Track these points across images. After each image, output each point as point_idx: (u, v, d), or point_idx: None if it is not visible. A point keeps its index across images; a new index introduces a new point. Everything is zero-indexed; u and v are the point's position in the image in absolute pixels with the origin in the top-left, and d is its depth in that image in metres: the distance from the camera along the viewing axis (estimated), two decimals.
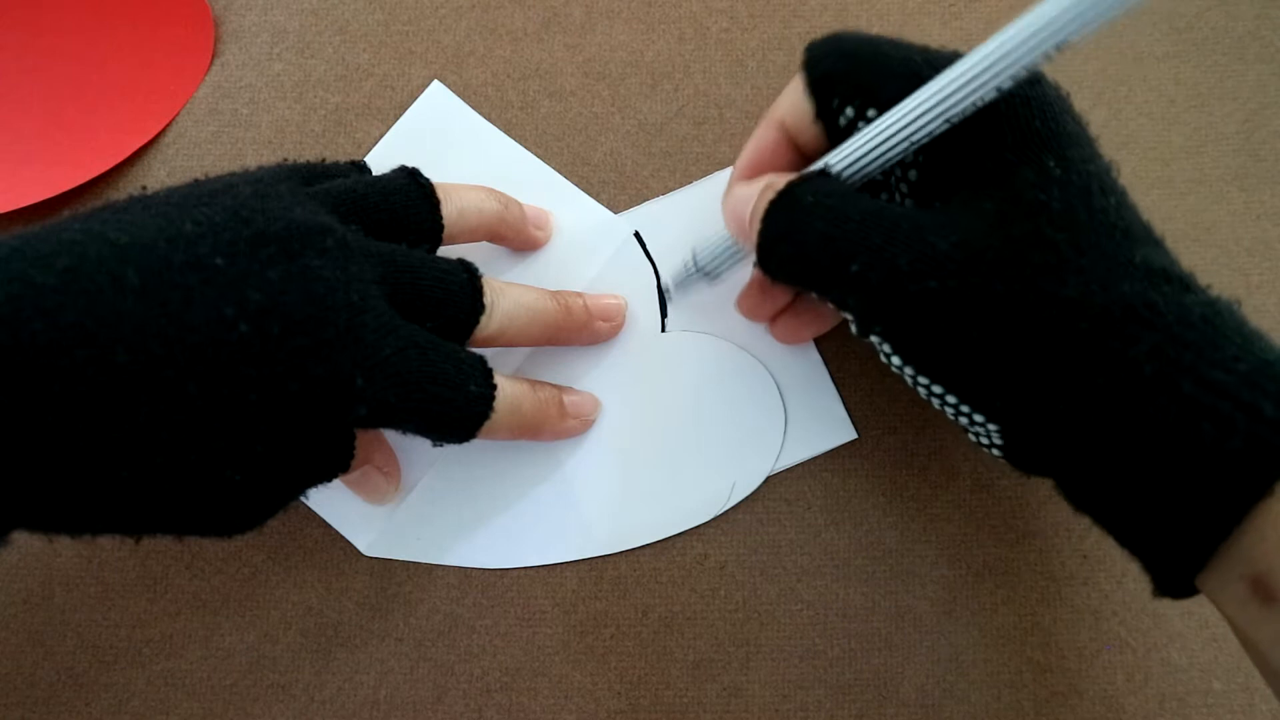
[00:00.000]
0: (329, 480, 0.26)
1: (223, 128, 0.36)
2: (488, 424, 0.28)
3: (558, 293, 0.32)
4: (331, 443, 0.25)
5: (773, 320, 0.32)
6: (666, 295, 0.34)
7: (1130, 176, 0.34)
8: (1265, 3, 0.37)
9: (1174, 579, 0.22)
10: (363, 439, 0.28)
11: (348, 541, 0.32)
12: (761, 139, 0.29)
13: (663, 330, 0.34)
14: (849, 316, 0.26)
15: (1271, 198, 0.35)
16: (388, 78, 0.37)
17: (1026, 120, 0.24)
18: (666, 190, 0.35)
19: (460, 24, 0.37)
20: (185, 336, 0.22)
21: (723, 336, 0.33)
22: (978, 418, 0.24)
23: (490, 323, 0.29)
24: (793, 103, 0.28)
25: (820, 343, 0.33)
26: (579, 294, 0.33)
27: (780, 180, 0.26)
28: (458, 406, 0.27)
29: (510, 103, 0.36)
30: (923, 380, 0.25)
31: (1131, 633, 0.31)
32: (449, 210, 0.29)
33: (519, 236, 0.33)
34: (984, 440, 0.25)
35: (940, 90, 0.24)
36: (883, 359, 0.26)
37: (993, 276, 0.23)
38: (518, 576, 0.32)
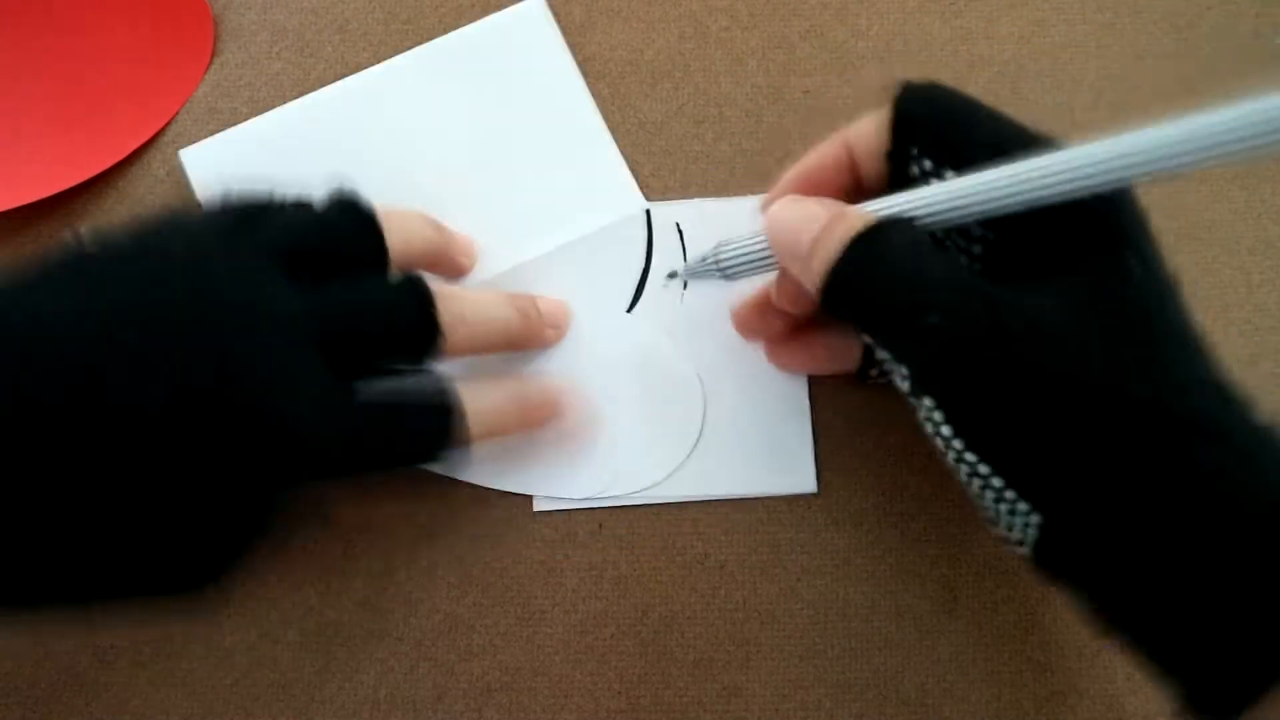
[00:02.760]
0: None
1: (222, 127, 0.36)
2: (465, 435, 0.28)
3: (515, 296, 0.31)
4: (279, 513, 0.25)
5: (777, 343, 0.31)
6: (675, 275, 0.33)
7: None
8: (1265, 3, 0.37)
9: (1220, 709, 0.21)
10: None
11: (347, 542, 0.32)
12: (824, 155, 0.28)
13: (628, 310, 0.34)
14: (902, 371, 0.25)
15: (1273, 196, 0.34)
16: None
17: (1106, 214, 0.24)
18: (666, 190, 0.35)
19: (460, 23, 0.37)
20: (106, 423, 0.22)
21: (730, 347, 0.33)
22: (1021, 506, 0.23)
23: (455, 340, 0.28)
24: (869, 133, 0.27)
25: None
26: (532, 299, 0.32)
27: (855, 211, 0.26)
28: (411, 460, 0.28)
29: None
30: (970, 457, 0.24)
31: None
32: (395, 241, 0.29)
33: (451, 267, 0.33)
34: (1016, 535, 0.24)
35: (1039, 172, 0.23)
36: (928, 429, 0.25)
37: (1063, 359, 0.22)
38: (518, 576, 0.32)
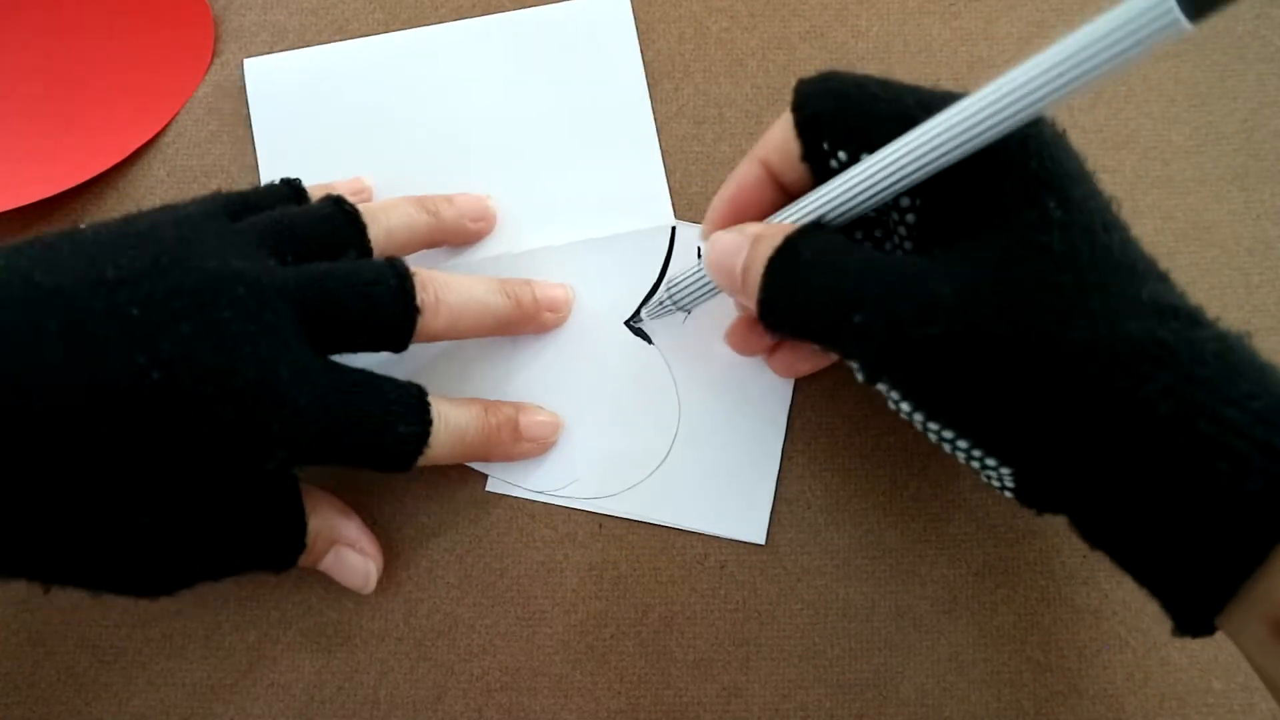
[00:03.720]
0: (279, 558, 0.28)
1: (222, 127, 0.36)
2: (428, 452, 0.28)
3: (506, 282, 0.32)
4: (256, 497, 0.26)
5: (770, 353, 0.31)
6: (638, 320, 0.33)
7: (1130, 176, 0.35)
8: (1265, 2, 0.37)
9: (1194, 618, 0.22)
10: (326, 516, 0.29)
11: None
12: (744, 176, 0.28)
13: (629, 320, 0.34)
14: (855, 365, 0.25)
15: (1272, 197, 0.35)
16: None
17: (1024, 161, 0.24)
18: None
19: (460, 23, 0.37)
20: (100, 383, 0.23)
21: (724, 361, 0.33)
22: (990, 461, 0.24)
23: (437, 320, 0.28)
24: (779, 142, 0.27)
25: None
26: (527, 282, 0.32)
27: (769, 231, 0.26)
28: (385, 448, 0.28)
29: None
30: (933, 426, 0.25)
31: (1131, 632, 0.31)
32: (376, 233, 0.29)
33: (459, 236, 0.33)
34: (996, 483, 0.25)
35: (929, 134, 0.23)
36: (891, 406, 0.25)
37: (997, 320, 0.22)
38: (517, 576, 0.32)
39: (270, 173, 0.35)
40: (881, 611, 0.31)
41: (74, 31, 0.37)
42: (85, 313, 0.23)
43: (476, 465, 0.32)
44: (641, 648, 0.31)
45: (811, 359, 0.31)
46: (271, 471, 0.26)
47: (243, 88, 0.37)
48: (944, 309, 0.23)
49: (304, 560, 0.29)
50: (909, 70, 0.36)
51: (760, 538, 0.32)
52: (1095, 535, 0.24)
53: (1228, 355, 0.21)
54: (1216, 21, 0.37)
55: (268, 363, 0.24)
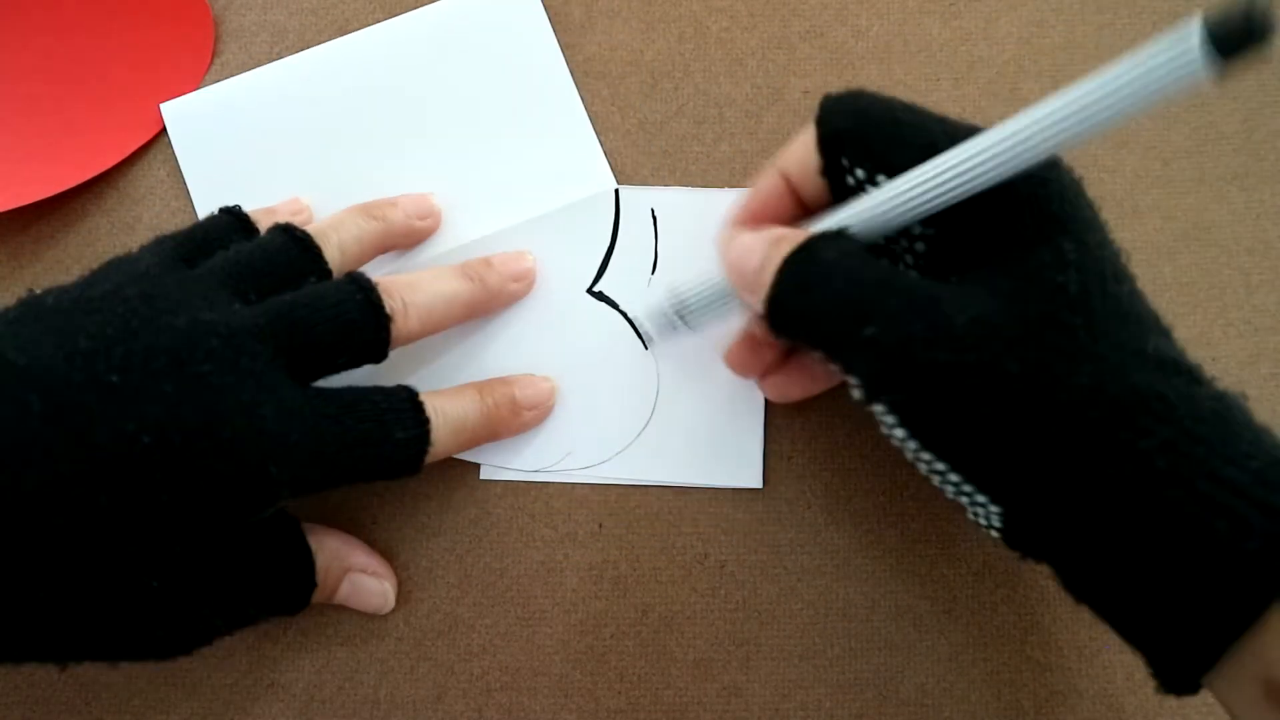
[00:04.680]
0: (292, 599, 0.28)
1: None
2: (432, 450, 0.28)
3: (465, 266, 0.32)
4: (261, 544, 0.26)
5: (762, 376, 0.31)
6: (646, 340, 0.33)
7: (1130, 176, 0.35)
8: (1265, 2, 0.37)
9: (1181, 677, 0.21)
10: (332, 549, 0.29)
11: None
12: (764, 187, 0.29)
13: (590, 289, 0.34)
14: (853, 381, 0.25)
15: (1272, 197, 0.35)
16: None
17: (1044, 202, 0.24)
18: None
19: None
20: (91, 454, 0.23)
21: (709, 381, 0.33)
22: (980, 498, 0.24)
23: (409, 322, 0.29)
24: (800, 155, 0.27)
25: None
26: (485, 260, 0.33)
27: (792, 234, 0.26)
28: (387, 458, 0.28)
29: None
30: (925, 456, 0.24)
31: None
32: (330, 252, 0.29)
33: (408, 237, 0.34)
34: (983, 521, 0.25)
35: (962, 162, 0.23)
36: (884, 430, 0.25)
37: (1007, 356, 0.22)
38: (517, 576, 0.32)
39: (206, 208, 0.35)
40: (881, 611, 0.31)
41: (74, 31, 0.37)
42: (65, 386, 0.23)
43: (467, 455, 0.32)
44: (641, 648, 0.31)
45: (805, 384, 0.31)
46: (273, 516, 0.26)
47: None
48: (956, 337, 0.23)
49: (318, 596, 0.29)
50: (909, 70, 0.36)
51: (757, 481, 0.32)
52: (1080, 587, 0.23)
53: (1226, 414, 0.21)
54: None
55: (253, 408, 0.24)
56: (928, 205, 0.24)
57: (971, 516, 0.25)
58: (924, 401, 0.23)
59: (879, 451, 0.32)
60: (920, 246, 0.26)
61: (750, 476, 0.32)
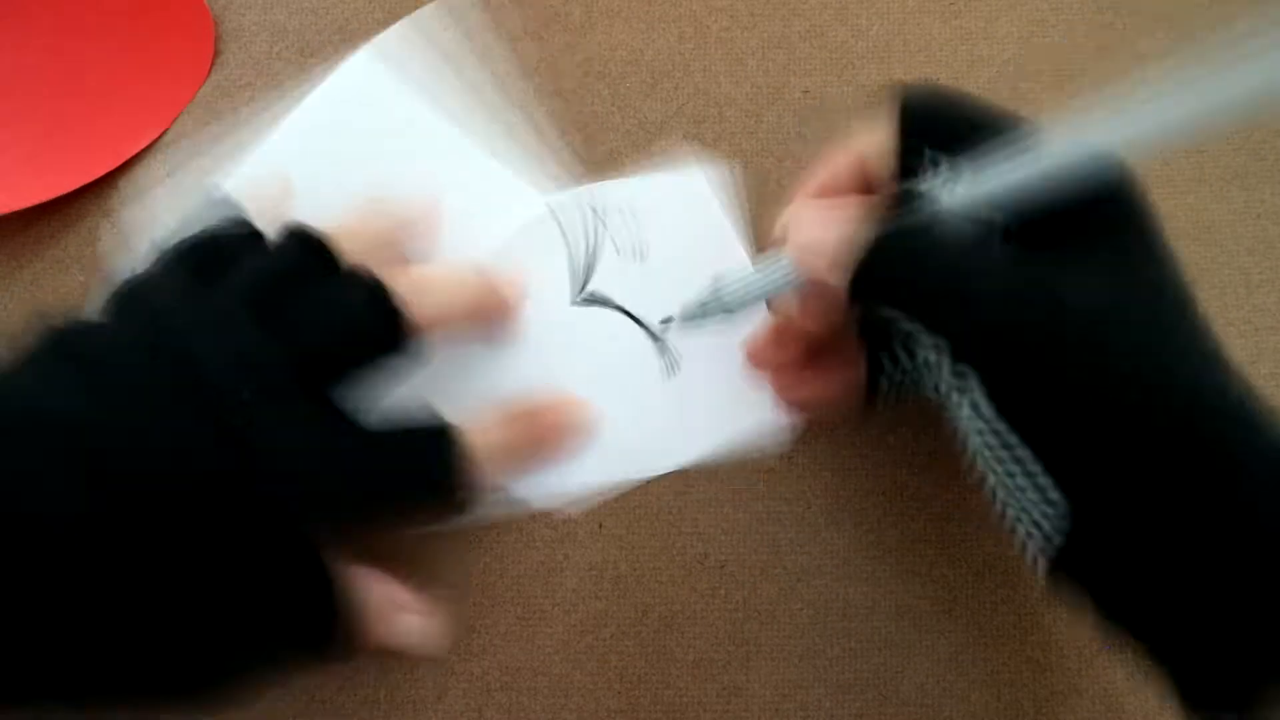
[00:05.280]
0: (327, 644, 0.27)
1: (222, 127, 0.36)
2: (477, 489, 0.28)
3: (465, 266, 0.32)
4: (297, 597, 0.26)
5: (782, 372, 0.31)
6: (667, 326, 0.33)
7: None
8: (1263, 1, 0.37)
9: (1218, 707, 0.21)
10: (379, 591, 0.28)
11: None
12: (837, 165, 0.29)
13: (574, 302, 0.34)
14: (936, 344, 0.24)
15: (1272, 196, 0.35)
16: None
17: (1140, 217, 0.24)
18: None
19: (460, 23, 0.37)
20: (119, 498, 0.22)
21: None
22: (1053, 495, 0.23)
23: (424, 309, 0.28)
24: (877, 141, 0.27)
25: None
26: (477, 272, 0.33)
27: (882, 201, 0.26)
28: (429, 499, 0.28)
29: (510, 102, 0.36)
30: (1010, 438, 0.23)
31: None
32: (357, 254, 0.29)
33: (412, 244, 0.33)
34: (1037, 529, 0.24)
35: (1055, 158, 0.23)
36: (962, 410, 0.24)
37: (1119, 342, 0.22)
38: (518, 576, 0.32)
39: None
40: (881, 611, 0.31)
41: (75, 35, 0.37)
42: (91, 429, 0.23)
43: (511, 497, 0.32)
44: (641, 648, 0.31)
45: (817, 388, 0.31)
46: (315, 561, 0.26)
47: (243, 87, 0.37)
48: (1067, 308, 0.22)
49: (366, 643, 0.28)
50: (909, 70, 0.36)
51: (784, 435, 0.32)
52: (1121, 611, 0.23)
53: None
54: (1215, 21, 0.37)
55: (289, 454, 0.24)
56: (1013, 196, 0.24)
57: (1028, 524, 0.24)
58: (1024, 371, 0.23)
59: (879, 451, 0.32)
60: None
61: (775, 433, 0.32)
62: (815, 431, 0.33)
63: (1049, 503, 0.23)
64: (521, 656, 0.31)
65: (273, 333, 0.26)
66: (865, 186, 0.29)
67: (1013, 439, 0.23)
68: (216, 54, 0.37)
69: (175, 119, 0.36)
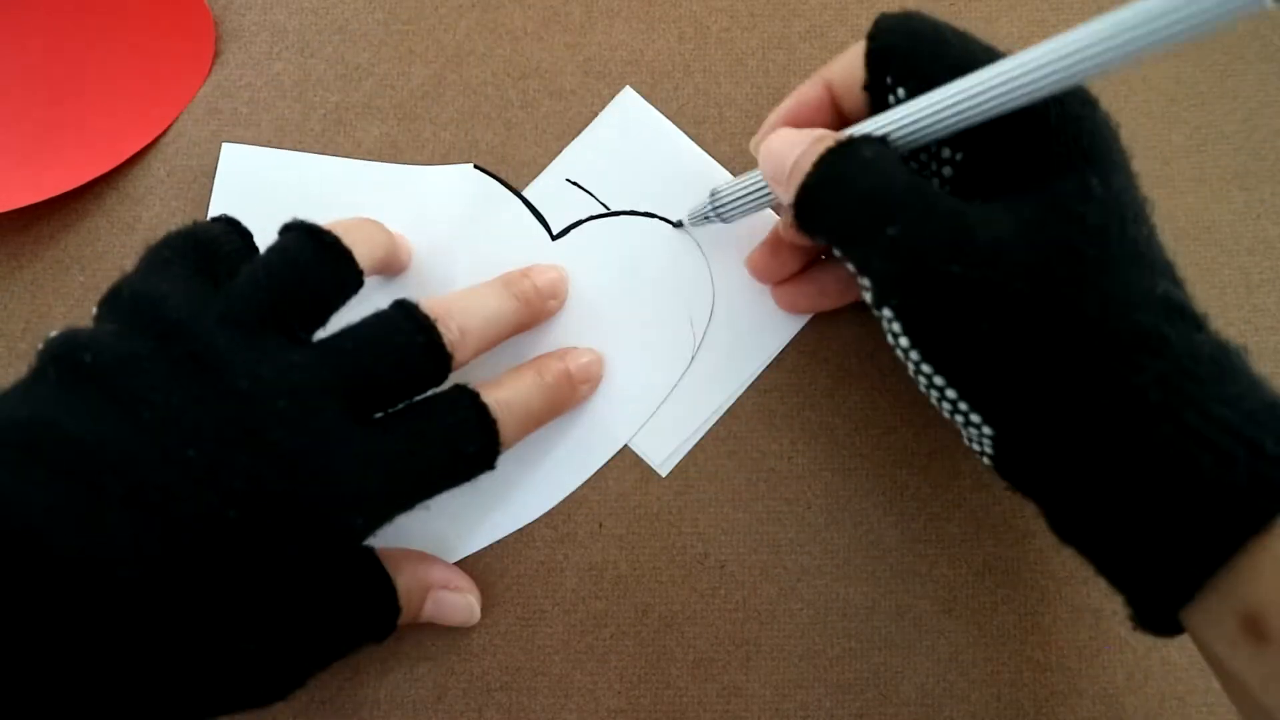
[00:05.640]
0: (379, 630, 0.27)
1: (223, 127, 0.36)
2: (502, 449, 0.28)
3: (507, 281, 0.31)
4: (345, 584, 0.26)
5: (777, 284, 0.32)
6: (679, 224, 0.34)
7: None
8: None
9: (1160, 611, 0.22)
10: (410, 570, 0.29)
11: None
12: (806, 93, 0.29)
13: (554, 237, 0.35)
14: (866, 284, 0.25)
15: (1272, 196, 0.34)
16: (388, 77, 0.37)
17: (1076, 137, 0.24)
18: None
19: (460, 23, 0.37)
20: (178, 535, 0.22)
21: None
22: (974, 418, 0.24)
23: (466, 351, 0.28)
24: (846, 68, 0.28)
25: (819, 339, 0.33)
26: (525, 274, 0.32)
27: (833, 135, 0.26)
28: (464, 471, 0.28)
29: (510, 101, 0.36)
30: (925, 369, 0.25)
31: (1131, 632, 0.31)
32: (361, 256, 0.28)
33: (397, 265, 0.33)
34: (976, 446, 0.25)
35: (999, 75, 0.23)
36: (889, 339, 0.26)
37: (1018, 277, 0.23)
38: (518, 576, 0.32)
39: None
40: (881, 611, 0.31)
41: (75, 35, 0.37)
42: (140, 464, 0.22)
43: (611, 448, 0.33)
44: (641, 648, 0.31)
45: (815, 298, 0.32)
46: (370, 569, 0.26)
47: (243, 87, 0.37)
48: (974, 252, 0.23)
49: (403, 619, 0.28)
50: None
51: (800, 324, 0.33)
52: (1065, 524, 0.24)
53: (1223, 360, 0.22)
54: None
55: (331, 467, 0.24)
56: (962, 117, 0.24)
57: (966, 441, 0.26)
58: (931, 310, 0.24)
59: (879, 451, 0.32)
60: (948, 171, 0.26)
61: (792, 327, 0.33)
62: (815, 431, 0.33)
63: (972, 425, 0.24)
64: (521, 656, 0.31)
65: (297, 338, 0.26)
66: (837, 118, 0.29)
67: (928, 369, 0.25)
68: (216, 54, 0.37)
69: (175, 119, 0.36)
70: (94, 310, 0.26)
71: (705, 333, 0.33)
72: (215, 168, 0.36)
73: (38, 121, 0.36)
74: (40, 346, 0.24)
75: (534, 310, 0.32)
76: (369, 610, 0.27)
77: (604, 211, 0.35)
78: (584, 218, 0.35)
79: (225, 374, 0.23)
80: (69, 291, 0.35)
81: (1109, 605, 0.31)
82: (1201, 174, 0.35)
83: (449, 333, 0.27)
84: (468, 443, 0.27)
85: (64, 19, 0.37)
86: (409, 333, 0.26)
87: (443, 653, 0.31)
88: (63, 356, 0.23)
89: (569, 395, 0.31)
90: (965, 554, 0.31)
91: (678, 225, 0.34)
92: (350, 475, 0.24)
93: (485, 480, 0.28)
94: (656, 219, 0.35)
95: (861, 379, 0.33)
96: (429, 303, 0.27)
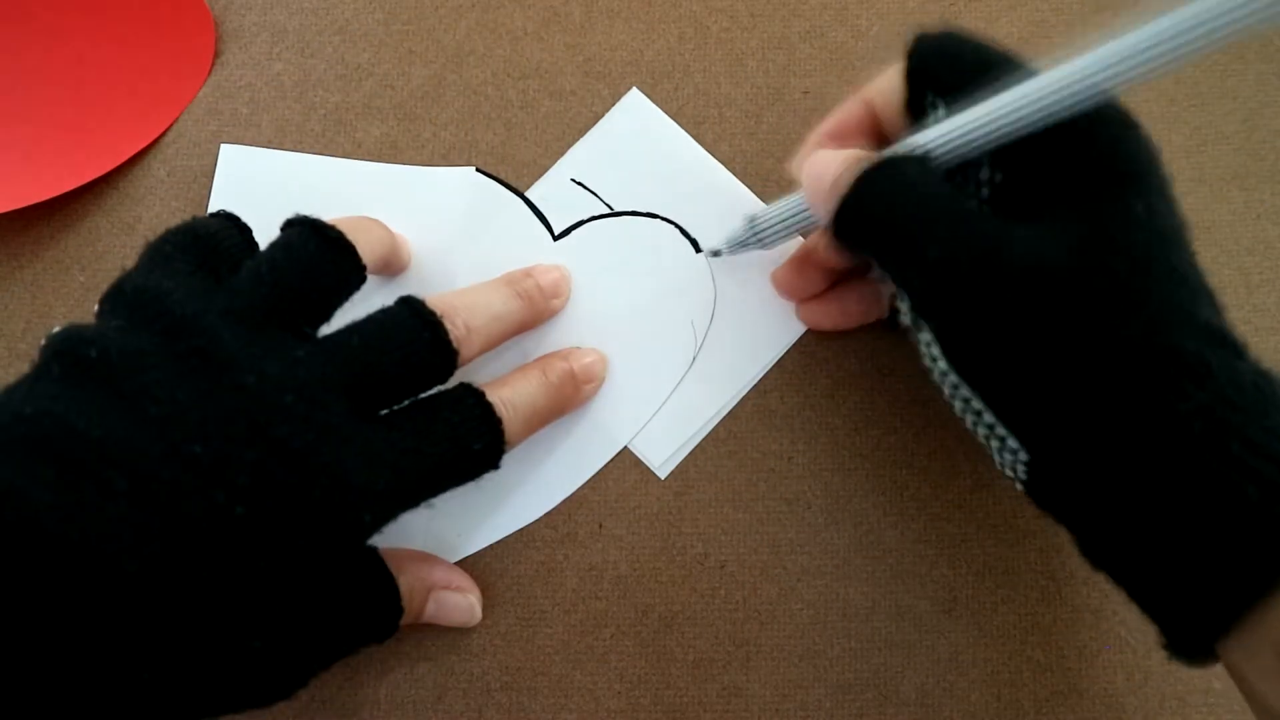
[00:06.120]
0: (382, 629, 0.27)
1: (223, 127, 0.36)
2: (507, 447, 0.28)
3: (510, 280, 0.31)
4: (349, 583, 0.26)
5: (803, 302, 0.33)
6: (716, 254, 0.34)
7: None
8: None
9: (1196, 640, 0.21)
10: (413, 570, 0.29)
11: None
12: (848, 112, 0.29)
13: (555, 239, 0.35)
14: (903, 303, 0.25)
15: (1272, 197, 0.34)
16: (388, 77, 0.37)
17: (1117, 159, 0.24)
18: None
19: (460, 23, 0.37)
20: (185, 531, 0.21)
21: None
22: (1011, 442, 0.24)
23: (472, 348, 0.28)
24: (886, 86, 0.28)
25: (819, 339, 0.33)
26: (528, 273, 0.32)
27: (873, 154, 0.26)
28: (470, 469, 0.27)
29: (510, 102, 0.36)
30: (963, 391, 0.25)
31: (1131, 632, 0.31)
32: (364, 253, 0.28)
33: (397, 264, 0.33)
34: (1009, 472, 0.25)
35: (1041, 90, 0.24)
36: (926, 362, 0.26)
37: (1062, 298, 0.22)
38: (518, 576, 0.32)
39: None
40: (881, 611, 0.31)
41: (75, 35, 0.37)
42: (146, 460, 0.22)
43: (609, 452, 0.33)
44: (641, 648, 0.31)
45: (839, 316, 0.32)
46: (374, 567, 0.26)
47: (243, 87, 0.37)
48: (1015, 272, 0.23)
49: (406, 620, 0.28)
50: None
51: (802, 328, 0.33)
52: (1098, 548, 0.23)
53: (1265, 388, 0.21)
54: None
55: (338, 464, 0.24)
56: (1001, 133, 0.24)
57: (999, 464, 0.25)
58: (970, 331, 0.24)
59: (879, 452, 0.32)
60: (985, 192, 0.26)
61: (793, 333, 0.33)
62: (815, 431, 0.33)
63: (1008, 449, 0.24)
64: (521, 656, 0.31)
65: (314, 340, 0.25)
66: (878, 137, 0.29)
67: (966, 392, 0.25)
68: (216, 54, 0.37)
69: (175, 119, 0.36)
70: (96, 307, 0.25)
71: (706, 335, 0.33)
72: (215, 168, 0.36)
73: (38, 121, 0.36)
74: (43, 342, 0.24)
75: (537, 309, 0.32)
76: (372, 610, 0.27)
77: (606, 212, 0.35)
78: (586, 218, 0.35)
79: (231, 369, 0.23)
80: (69, 291, 0.35)
81: (1109, 605, 0.31)
82: (1201, 174, 0.35)
83: (455, 329, 0.27)
84: (473, 440, 0.27)
85: (64, 19, 0.37)
86: (415, 328, 0.26)
87: (443, 653, 0.31)
88: (66, 352, 0.23)
89: (573, 395, 0.31)
90: (965, 554, 0.31)
91: (715, 255, 0.34)
92: (358, 471, 0.24)
93: (486, 480, 0.28)
94: (659, 220, 0.34)
95: (861, 379, 0.33)
96: (434, 299, 0.27)
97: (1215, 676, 0.30)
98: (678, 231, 0.34)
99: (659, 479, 0.32)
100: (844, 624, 0.31)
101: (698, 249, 0.34)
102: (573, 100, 0.36)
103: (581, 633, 0.31)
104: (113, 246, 0.35)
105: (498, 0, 0.37)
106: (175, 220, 0.35)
